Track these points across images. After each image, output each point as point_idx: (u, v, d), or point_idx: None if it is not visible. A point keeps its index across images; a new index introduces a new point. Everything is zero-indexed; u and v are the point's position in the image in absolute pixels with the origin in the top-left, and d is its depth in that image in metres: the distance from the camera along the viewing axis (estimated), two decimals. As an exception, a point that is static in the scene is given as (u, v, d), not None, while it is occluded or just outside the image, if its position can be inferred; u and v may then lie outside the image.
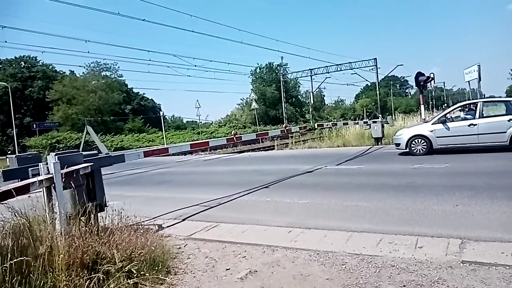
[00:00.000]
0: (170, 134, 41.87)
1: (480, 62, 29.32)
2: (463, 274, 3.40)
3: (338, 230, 5.09)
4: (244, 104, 55.82)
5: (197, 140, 34.70)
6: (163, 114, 37.32)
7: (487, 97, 23.32)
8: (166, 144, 32.39)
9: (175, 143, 35.34)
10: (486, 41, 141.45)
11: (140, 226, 4.97)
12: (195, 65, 34.50)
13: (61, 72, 52.00)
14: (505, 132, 10.95)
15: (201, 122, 41.32)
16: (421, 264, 3.71)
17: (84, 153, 5.24)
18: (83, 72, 50.21)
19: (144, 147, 33.58)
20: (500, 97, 21.75)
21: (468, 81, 31.30)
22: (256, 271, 3.90)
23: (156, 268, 3.82)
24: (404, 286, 3.27)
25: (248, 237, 5.13)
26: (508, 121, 10.99)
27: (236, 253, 4.53)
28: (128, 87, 56.24)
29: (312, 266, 3.92)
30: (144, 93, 60.05)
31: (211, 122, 51.50)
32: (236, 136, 11.32)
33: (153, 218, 6.42)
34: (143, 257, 3.85)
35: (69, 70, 52.03)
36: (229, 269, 4.04)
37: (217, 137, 34.92)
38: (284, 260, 4.15)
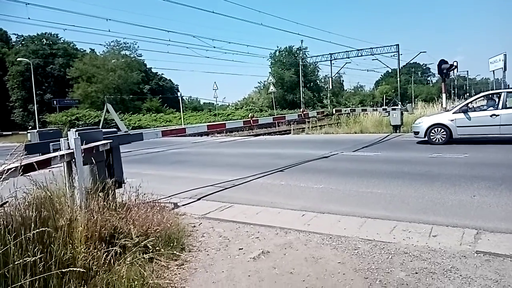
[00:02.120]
0: (187, 115, 42.10)
1: (506, 51, 28.37)
2: (476, 264, 3.37)
3: (352, 215, 5.09)
4: (262, 88, 55.58)
5: (213, 122, 34.85)
6: (181, 95, 37.51)
7: (511, 88, 22.60)
8: (183, 124, 32.63)
9: (191, 123, 35.58)
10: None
11: (156, 204, 5.06)
12: (214, 47, 34.65)
13: (82, 50, 52.63)
14: (528, 124, 10.64)
15: (218, 104, 41.33)
16: (434, 252, 3.70)
17: (103, 130, 5.33)
18: (103, 51, 50.61)
19: (161, 127, 33.96)
20: (526, 87, 21.04)
21: (493, 71, 30.44)
22: (269, 252, 3.95)
23: (171, 244, 3.91)
24: (416, 273, 3.27)
25: (262, 218, 5.17)
26: (533, 113, 10.67)
27: (250, 233, 4.59)
28: (147, 67, 56.54)
29: (325, 250, 3.94)
30: (162, 74, 60.36)
31: (228, 104, 51.48)
32: (253, 119, 11.30)
33: (169, 197, 6.53)
34: (159, 234, 3.94)
35: (90, 48, 52.58)
36: (242, 248, 4.10)
37: (234, 120, 34.98)
38: (296, 243, 4.19)
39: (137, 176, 5.70)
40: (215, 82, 32.91)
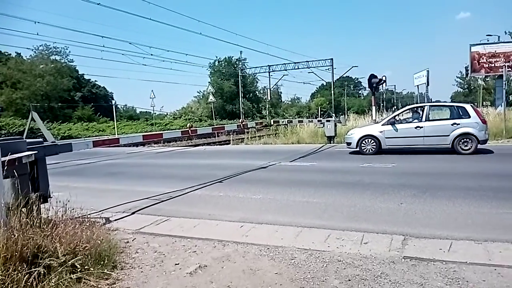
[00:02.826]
0: (122, 124, 40.44)
1: (429, 67, 30.95)
2: (404, 269, 3.57)
3: (289, 225, 5.17)
4: (201, 97, 55.19)
5: (150, 131, 33.84)
6: (115, 103, 35.99)
7: (433, 102, 24.65)
8: (118, 134, 31.31)
9: (126, 133, 34.24)
10: (435, 48, 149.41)
11: (86, 219, 4.76)
12: (152, 54, 33.44)
13: (7, 53, 48.56)
14: (448, 136, 11.65)
15: (155, 113, 40.32)
16: (365, 259, 3.86)
17: (28, 140, 4.92)
18: (30, 55, 47.21)
19: (93, 136, 32.25)
20: (445, 102, 23.07)
21: (417, 85, 33.01)
22: (206, 266, 3.87)
23: (102, 262, 3.68)
24: (349, 280, 3.38)
25: (199, 231, 5.07)
26: (452, 125, 11.70)
27: (186, 247, 4.47)
28: (79, 73, 53.58)
29: (262, 261, 3.95)
30: (96, 80, 57.38)
31: (165, 113, 50.44)
32: (191, 129, 11.14)
33: (100, 211, 6.18)
34: (88, 251, 3.70)
35: (15, 52, 48.72)
36: (178, 264, 3.98)
37: (172, 129, 34.27)
38: (234, 255, 4.15)
39: (65, 190, 5.33)
40: (152, 91, 32.15)
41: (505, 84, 18.81)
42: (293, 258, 3.98)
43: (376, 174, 9.12)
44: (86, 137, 31.20)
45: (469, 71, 39.82)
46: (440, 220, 5.18)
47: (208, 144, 24.72)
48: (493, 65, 34.20)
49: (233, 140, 24.96)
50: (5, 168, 3.75)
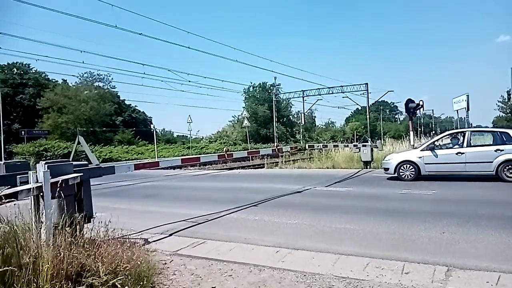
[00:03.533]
0: (160, 147, 41.59)
1: (468, 91, 30.06)
2: (448, 301, 3.41)
3: (326, 252, 5.09)
4: (236, 121, 56.03)
5: (186, 154, 34.54)
6: (154, 127, 37.18)
7: (474, 127, 23.79)
8: (156, 157, 32.19)
9: (164, 156, 35.14)
10: (475, 72, 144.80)
11: (126, 240, 4.90)
12: (189, 81, 34.44)
13: (54, 80, 51.70)
14: (491, 162, 11.15)
15: (191, 137, 41.16)
16: (407, 290, 3.72)
17: (74, 163, 5.19)
18: (76, 82, 49.98)
19: (133, 159, 33.31)
20: (487, 127, 22.29)
21: (457, 110, 31.98)
22: (242, 291, 3.86)
23: (141, 283, 3.76)
24: (390, 311, 3.27)
25: (235, 255, 5.09)
26: (495, 151, 11.21)
27: (223, 271, 4.49)
28: (120, 98, 56.06)
29: (299, 288, 3.89)
30: (136, 106, 59.88)
31: (201, 137, 51.41)
32: (227, 152, 11.31)
33: (139, 232, 6.34)
34: (128, 272, 3.79)
35: (62, 79, 51.76)
36: (214, 287, 4.00)
37: (207, 153, 34.85)
38: (271, 281, 4.12)
39: (107, 210, 5.53)
40: (189, 115, 32.92)
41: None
42: (330, 286, 3.91)
43: (415, 201, 8.82)
44: (126, 159, 32.28)
45: (511, 95, 38.25)
46: (486, 251, 4.93)
47: (243, 167, 24.88)
48: (539, 88, 32.70)
49: (267, 164, 25.02)
50: (53, 189, 3.96)
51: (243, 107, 54.50)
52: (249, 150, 24.79)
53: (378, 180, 12.93)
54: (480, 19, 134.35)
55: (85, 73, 48.46)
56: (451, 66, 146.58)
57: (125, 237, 4.95)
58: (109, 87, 51.52)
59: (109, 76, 49.47)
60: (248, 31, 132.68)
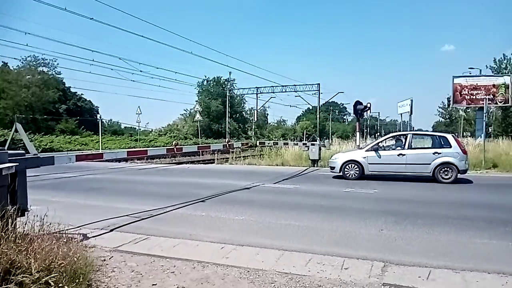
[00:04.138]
0: (105, 138, 39.96)
1: (412, 96, 31.87)
2: (383, 296, 3.56)
3: (270, 248, 5.13)
4: (188, 115, 55.23)
5: (134, 147, 33.48)
6: (100, 117, 35.54)
7: (416, 130, 25.21)
8: (101, 149, 30.89)
9: (110, 148, 33.84)
10: (420, 78, 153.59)
11: (63, 235, 4.64)
12: (141, 71, 33.36)
13: (-7, 63, 47.95)
14: (429, 164, 11.85)
15: (140, 129, 39.96)
16: (345, 285, 3.85)
17: (9, 152, 4.82)
18: (17, 66, 46.75)
19: (76, 150, 31.75)
20: (427, 131, 23.70)
21: (401, 114, 33.78)
22: (184, 288, 3.80)
23: (77, 280, 3.57)
24: (329, 306, 3.35)
25: (179, 251, 4.99)
26: (433, 154, 11.93)
27: (165, 268, 4.39)
28: (66, 85, 53.14)
29: (242, 284, 3.90)
30: (82, 94, 56.98)
31: (151, 130, 50.09)
32: (177, 146, 11.09)
33: (78, 227, 6.04)
34: (63, 269, 3.59)
35: (2, 62, 48.19)
36: (155, 284, 3.89)
37: (156, 146, 34.01)
38: (214, 277, 4.09)
39: (44, 203, 5.22)
40: (138, 106, 31.83)
41: (485, 116, 19.41)
42: (273, 282, 3.94)
43: (358, 200, 9.18)
44: (68, 150, 30.71)
45: (451, 102, 41.00)
46: (420, 248, 5.22)
47: (192, 162, 24.56)
48: (474, 97, 35.31)
49: (217, 159, 24.87)
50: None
51: (196, 101, 53.86)
52: (200, 145, 24.48)
53: (324, 178, 13.30)
54: (426, 28, 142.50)
55: (28, 56, 45.45)
56: (398, 72, 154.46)
57: (61, 232, 4.70)
58: (54, 72, 48.74)
59: (55, 61, 46.78)
60: (205, 27, 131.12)
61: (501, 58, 48.67)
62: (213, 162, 23.99)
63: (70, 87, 54.12)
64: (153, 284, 3.89)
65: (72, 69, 60.78)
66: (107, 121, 64.90)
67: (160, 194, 10.20)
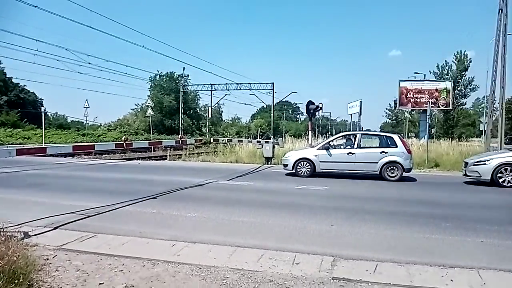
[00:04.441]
0: (50, 132, 37.79)
1: (362, 98, 33.10)
2: (332, 289, 3.66)
3: (223, 244, 5.11)
4: (139, 110, 53.57)
5: (81, 142, 31.99)
6: (44, 110, 33.40)
7: (365, 130, 26.21)
8: (45, 143, 29.20)
9: (55, 143, 32.10)
10: (369, 81, 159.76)
11: (1, 233, 4.35)
12: (89, 63, 31.89)
13: None
14: (377, 163, 12.37)
15: (88, 123, 38.22)
16: (296, 279, 3.91)
17: None
18: (-48, 55, 42.99)
19: (17, 144, 29.80)
20: (375, 131, 24.71)
21: (351, 114, 34.95)
22: (133, 286, 3.68)
23: (16, 281, 3.35)
24: (280, 301, 3.39)
25: (128, 249, 4.83)
26: (380, 153, 12.46)
27: (113, 266, 4.23)
28: (7, 76, 49.70)
29: (193, 281, 3.84)
30: (25, 85, 53.48)
31: (99, 124, 48.11)
32: (126, 142, 10.73)
33: (18, 225, 5.66)
34: (1, 268, 3.36)
35: None
36: (102, 283, 3.74)
37: (105, 141, 32.71)
38: (164, 275, 4.00)
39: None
40: (86, 100, 30.37)
41: (428, 118, 20.54)
42: (225, 278, 3.92)
43: (309, 196, 9.38)
44: (9, 144, 28.71)
45: (397, 104, 43.14)
46: (368, 243, 5.43)
47: (143, 158, 23.91)
48: (418, 100, 37.40)
49: (170, 156, 24.41)
50: None
51: (148, 96, 52.34)
52: (151, 141, 23.90)
53: (278, 176, 13.47)
54: (375, 33, 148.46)
55: (-36, 44, 41.90)
56: (349, 74, 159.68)
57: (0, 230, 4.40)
58: (-8, 62, 45.32)
59: (-5, 50, 43.54)
60: (159, 23, 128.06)
61: (443, 64, 51.99)
62: (166, 159, 23.52)
63: (11, 77, 50.69)
64: (100, 283, 3.74)
65: (14, 58, 57.07)
66: (52, 114, 61.56)
67: (109, 190, 9.83)
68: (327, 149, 13.06)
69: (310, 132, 19.66)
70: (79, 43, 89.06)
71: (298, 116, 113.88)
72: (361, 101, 32.90)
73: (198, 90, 54.99)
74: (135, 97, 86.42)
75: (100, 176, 13.25)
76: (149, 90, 55.89)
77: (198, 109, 63.36)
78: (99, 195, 8.77)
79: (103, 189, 10.17)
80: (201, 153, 26.56)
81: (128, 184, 11.21)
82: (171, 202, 8.14)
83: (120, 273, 4.03)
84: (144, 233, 5.66)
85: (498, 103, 21.43)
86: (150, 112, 34.33)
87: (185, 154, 23.73)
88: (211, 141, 28.68)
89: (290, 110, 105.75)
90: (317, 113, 21.46)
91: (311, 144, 17.54)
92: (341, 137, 14.38)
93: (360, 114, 33.43)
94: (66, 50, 33.43)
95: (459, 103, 51.78)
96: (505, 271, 4.21)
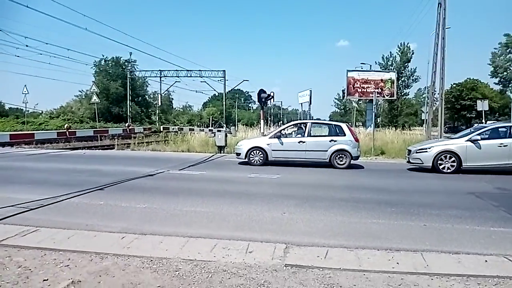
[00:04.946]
0: (-15, 120, 35.19)
1: (312, 87, 33.78)
2: (285, 276, 3.73)
3: (175, 235, 5.02)
4: (83, 97, 51.07)
5: (21, 130, 29.98)
6: (-23, 96, 30.88)
7: (315, 119, 26.84)
8: (-22, 132, 27.05)
9: (-9, 131, 29.84)
10: (318, 70, 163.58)
11: None
12: (27, 45, 29.77)
13: None
14: (326, 151, 12.73)
15: (28, 110, 35.86)
16: (250, 268, 3.93)
17: None
18: None
19: None
20: (324, 120, 25.37)
21: (301, 103, 35.58)
22: (80, 281, 3.52)
23: None
24: (234, 290, 3.40)
25: (74, 243, 4.60)
26: (329, 141, 12.82)
27: (58, 261, 4.01)
28: None
29: (144, 274, 3.74)
30: (-46, 69, 49.14)
31: (40, 112, 45.32)
32: (69, 130, 10.19)
33: None
34: None
35: None
36: (47, 280, 3.54)
37: (47, 130, 30.90)
38: (113, 268, 3.86)
39: None
40: (25, 86, 28.34)
41: (374, 107, 21.44)
42: (177, 269, 3.86)
43: (262, 185, 9.47)
44: None
45: (345, 94, 44.57)
46: (318, 229, 5.59)
47: (89, 148, 22.88)
48: (365, 90, 38.87)
49: (118, 145, 23.56)
50: None
51: (93, 82, 49.92)
52: (97, 129, 22.91)
53: (230, 165, 13.46)
54: (324, 23, 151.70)
55: None
56: (300, 63, 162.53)
57: None
58: None
59: None
60: (101, 5, 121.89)
61: (388, 55, 54.21)
62: (113, 148, 22.66)
63: None
64: (44, 280, 3.53)
65: None
66: (-15, 100, 56.97)
67: (52, 182, 9.32)
68: (278, 138, 13.23)
69: (262, 121, 19.81)
70: (14, 24, 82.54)
71: (250, 105, 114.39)
72: (311, 91, 33.61)
73: (146, 77, 53.45)
74: (79, 83, 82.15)
75: (42, 166, 12.51)
76: (94, 76, 53.41)
77: (147, 97, 61.60)
78: (42, 187, 8.30)
79: (46, 180, 9.61)
80: (151, 142, 25.89)
81: (73, 175, 10.68)
82: (120, 193, 7.87)
83: (66, 268, 3.84)
84: (91, 226, 5.43)
85: (438, 93, 22.81)
86: (95, 99, 32.81)
87: (134, 143, 23.05)
88: (161, 129, 27.96)
89: (242, 99, 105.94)
90: (268, 101, 21.68)
91: (263, 133, 17.69)
92: (292, 126, 14.60)
93: (310, 103, 34.19)
94: (0, 31, 30.95)
95: (402, 93, 54.35)
96: (446, 253, 4.51)
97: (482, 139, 11.78)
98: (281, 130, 13.92)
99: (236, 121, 71.77)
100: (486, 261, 4.22)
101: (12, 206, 6.33)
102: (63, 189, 7.84)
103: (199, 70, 47.09)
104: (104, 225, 5.50)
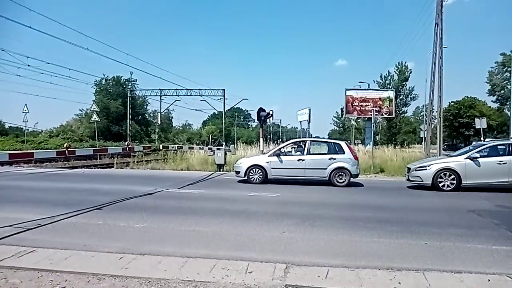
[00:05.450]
0: (-16, 139, 35.19)
1: (311, 106, 33.94)
2: (285, 297, 3.66)
3: (173, 255, 4.95)
4: (83, 116, 51.19)
5: (20, 149, 29.96)
6: (-23, 115, 30.96)
7: (314, 137, 26.90)
8: (-23, 151, 27.02)
9: (-10, 150, 29.80)
10: (317, 89, 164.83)
11: None
12: (28, 65, 30.01)
13: None
14: (325, 169, 12.70)
15: (27, 129, 35.92)
16: (250, 289, 3.87)
17: None
18: None
19: None
20: (324, 138, 25.40)
21: (300, 121, 35.71)
22: (77, 304, 3.45)
23: None
24: (233, 312, 3.33)
25: (71, 264, 4.54)
26: (329, 159, 12.81)
27: (55, 283, 3.95)
28: None
29: (142, 296, 3.68)
30: (-45, 88, 49.45)
31: (40, 130, 45.36)
32: (69, 149, 10.18)
33: None
34: None
35: None
36: (42, 303, 3.48)
37: (47, 149, 30.88)
38: (111, 290, 3.79)
39: None
40: (26, 104, 28.45)
41: (373, 125, 21.53)
42: (176, 291, 3.80)
43: (261, 203, 9.41)
44: None
45: (344, 112, 44.82)
46: (319, 248, 5.52)
47: (89, 166, 22.82)
48: (363, 108, 39.09)
49: (117, 163, 23.51)
50: None
51: (93, 101, 50.15)
52: (96, 148, 22.90)
53: (230, 183, 13.40)
54: (323, 43, 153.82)
55: None
56: (299, 82, 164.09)
57: None
58: None
59: None
60: (103, 27, 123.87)
61: (386, 74, 54.69)
62: (113, 167, 22.61)
63: None
64: (39, 303, 3.47)
65: None
66: (-14, 119, 57.10)
67: (50, 201, 9.25)
68: (278, 155, 13.22)
69: (261, 139, 19.82)
70: (16, 44, 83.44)
71: (249, 123, 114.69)
72: (310, 109, 33.75)
73: (146, 96, 53.75)
74: (79, 102, 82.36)
75: (40, 186, 12.45)
76: (95, 95, 53.63)
77: (146, 115, 61.79)
78: (40, 207, 8.23)
79: (44, 200, 9.55)
80: (150, 160, 25.85)
81: (72, 194, 10.61)
82: (118, 213, 7.81)
83: (63, 290, 3.78)
84: (89, 246, 5.36)
85: (436, 111, 22.94)
86: (95, 117, 32.89)
87: (133, 162, 22.98)
88: (161, 148, 27.91)
89: (242, 117, 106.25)
90: (268, 120, 21.74)
91: (262, 151, 17.68)
92: (292, 144, 14.62)
93: (309, 121, 34.26)
94: (2, 50, 31.25)
95: (401, 111, 54.57)
96: (448, 272, 4.45)
97: (481, 156, 11.80)
98: (280, 148, 13.92)
99: (236, 139, 71.80)
100: (489, 280, 4.17)
101: (9, 226, 6.27)
102: (61, 208, 7.78)
103: (199, 89, 47.51)
104: (102, 245, 5.44)
